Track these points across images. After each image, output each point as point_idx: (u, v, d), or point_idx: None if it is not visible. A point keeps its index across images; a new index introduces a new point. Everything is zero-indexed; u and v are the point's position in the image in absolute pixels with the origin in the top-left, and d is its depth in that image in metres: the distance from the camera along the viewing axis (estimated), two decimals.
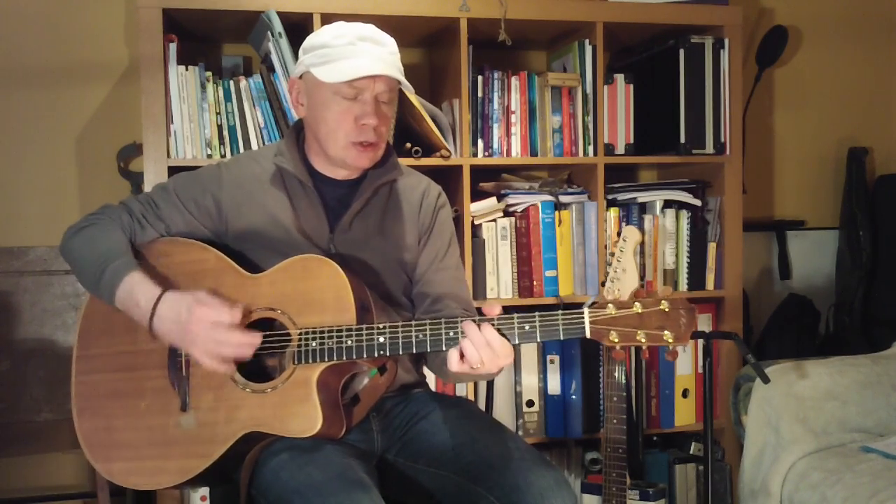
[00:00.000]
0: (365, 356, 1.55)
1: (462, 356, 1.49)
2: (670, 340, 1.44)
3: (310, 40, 1.70)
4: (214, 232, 1.76)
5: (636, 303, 1.45)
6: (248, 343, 1.55)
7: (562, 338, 1.47)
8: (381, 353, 1.54)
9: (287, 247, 1.69)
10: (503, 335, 1.48)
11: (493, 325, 1.48)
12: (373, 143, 1.69)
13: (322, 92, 1.67)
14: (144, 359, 1.66)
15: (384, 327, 1.54)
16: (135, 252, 1.69)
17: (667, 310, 1.44)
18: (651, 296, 1.46)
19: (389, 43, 1.69)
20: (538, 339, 1.49)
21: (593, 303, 1.48)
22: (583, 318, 1.46)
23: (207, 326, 1.53)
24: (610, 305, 1.45)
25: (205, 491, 2.41)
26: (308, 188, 1.75)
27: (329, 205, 1.77)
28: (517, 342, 1.49)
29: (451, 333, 1.51)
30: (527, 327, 1.48)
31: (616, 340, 1.45)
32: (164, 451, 1.62)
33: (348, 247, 1.75)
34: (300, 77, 1.73)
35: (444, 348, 1.52)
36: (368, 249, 1.76)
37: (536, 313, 1.48)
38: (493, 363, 1.48)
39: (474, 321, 1.49)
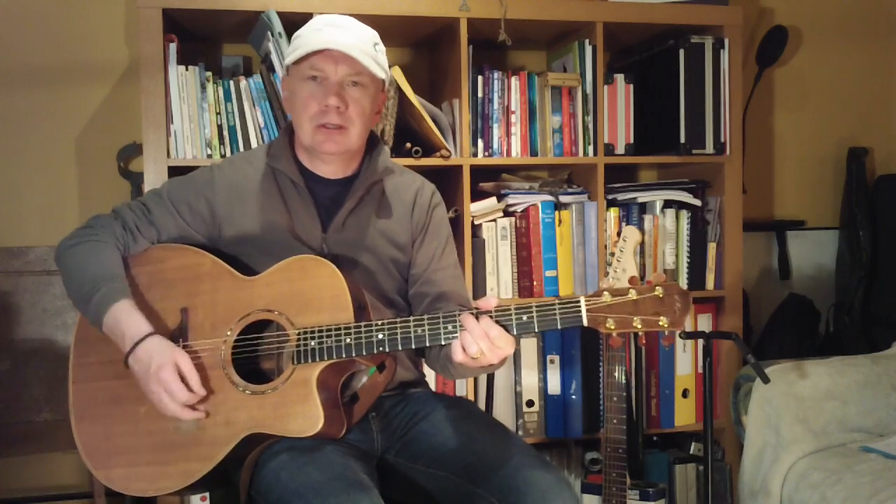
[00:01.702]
0: (364, 353, 1.55)
1: (463, 348, 1.50)
2: (665, 325, 1.45)
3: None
4: (208, 237, 1.76)
5: (631, 290, 1.46)
6: (187, 419, 1.59)
7: (559, 327, 1.48)
8: (381, 349, 1.54)
9: (280, 249, 1.69)
10: (502, 326, 1.48)
11: (490, 316, 1.49)
12: (338, 125, 1.69)
13: (293, 81, 1.73)
14: None
15: (383, 324, 1.54)
16: (130, 261, 1.70)
17: (661, 296, 1.45)
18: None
19: (361, 31, 1.71)
20: (536, 329, 1.49)
21: None
22: (579, 306, 1.46)
23: (162, 391, 1.55)
24: (606, 293, 1.46)
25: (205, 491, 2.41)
26: (300, 188, 1.75)
27: (322, 204, 1.77)
28: (516, 333, 1.50)
29: (450, 327, 1.51)
30: (525, 318, 1.49)
31: (612, 327, 1.46)
32: (165, 455, 1.61)
33: (341, 247, 1.75)
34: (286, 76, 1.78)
35: (442, 342, 1.52)
36: (362, 249, 1.76)
37: (533, 303, 1.49)
38: (493, 353, 1.49)
39: (472, 313, 1.50)
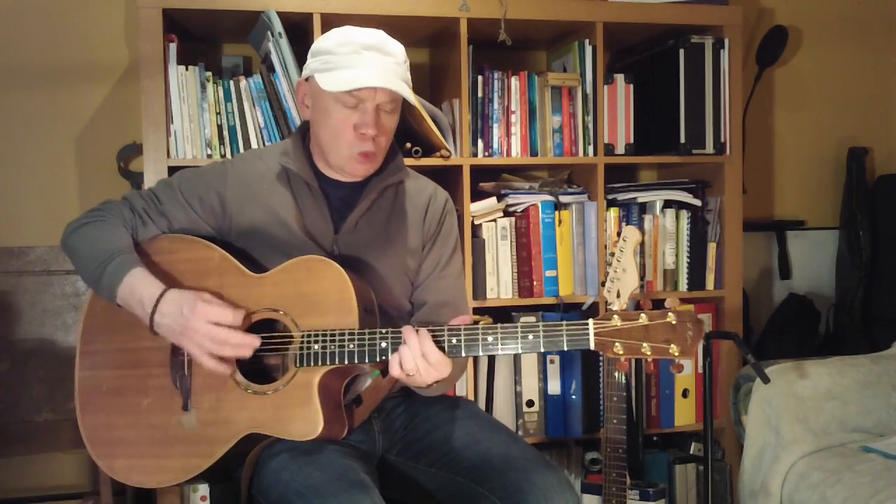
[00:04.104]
0: (367, 361, 1.54)
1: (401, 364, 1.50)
2: (676, 354, 1.40)
3: (317, 44, 1.68)
4: (217, 229, 1.76)
5: (642, 314, 1.42)
6: (247, 344, 1.55)
7: (565, 349, 1.46)
8: (384, 358, 1.53)
9: (290, 246, 1.68)
10: (510, 342, 1.48)
11: (470, 332, 1.48)
12: (371, 153, 1.69)
13: (324, 98, 1.66)
14: (147, 356, 1.66)
15: (387, 332, 1.54)
16: (138, 249, 1.69)
17: (674, 322, 1.41)
18: (656, 304, 1.44)
19: (396, 52, 1.67)
20: (541, 349, 1.48)
21: (593, 303, 1.47)
22: (587, 329, 1.44)
23: (208, 324, 1.53)
24: (615, 317, 1.43)
25: (205, 491, 2.41)
26: (314, 189, 1.74)
27: (334, 205, 1.76)
28: (521, 352, 1.49)
29: (454, 341, 1.50)
30: (530, 337, 1.47)
31: (621, 352, 1.42)
32: (166, 449, 1.62)
33: (352, 248, 1.74)
34: (306, 80, 1.72)
35: (463, 354, 1.51)
36: (372, 252, 1.76)
37: (540, 323, 1.48)
38: (428, 374, 1.50)
39: (415, 329, 1.50)
